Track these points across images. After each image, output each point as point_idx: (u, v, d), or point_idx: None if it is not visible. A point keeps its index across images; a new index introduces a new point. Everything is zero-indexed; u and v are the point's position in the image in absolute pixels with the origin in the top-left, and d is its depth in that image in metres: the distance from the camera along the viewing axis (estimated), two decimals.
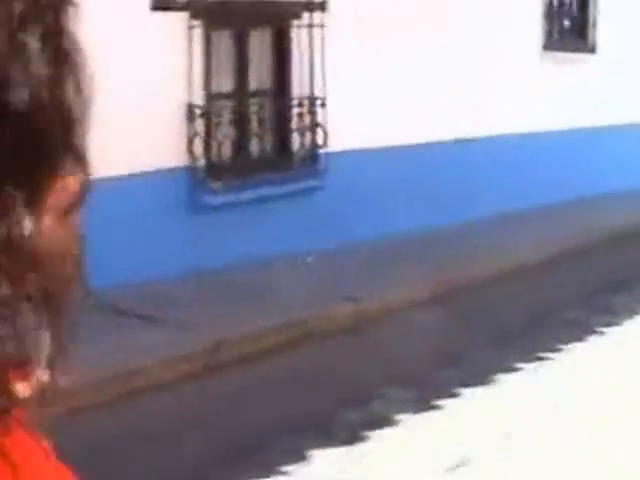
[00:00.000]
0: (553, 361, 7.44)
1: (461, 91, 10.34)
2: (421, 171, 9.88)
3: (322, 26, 9.03)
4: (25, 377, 0.65)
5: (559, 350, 7.66)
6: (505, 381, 6.94)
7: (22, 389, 0.65)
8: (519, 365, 7.25)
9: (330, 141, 9.12)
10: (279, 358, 7.06)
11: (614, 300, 8.94)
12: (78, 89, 0.65)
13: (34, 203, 0.63)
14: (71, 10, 0.64)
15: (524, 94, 11.11)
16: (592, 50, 11.95)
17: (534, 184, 11.00)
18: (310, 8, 8.99)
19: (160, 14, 8.10)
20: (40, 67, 0.62)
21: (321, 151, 9.13)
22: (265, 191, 8.81)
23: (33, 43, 0.62)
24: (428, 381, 6.79)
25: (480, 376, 6.93)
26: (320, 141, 9.11)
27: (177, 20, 8.23)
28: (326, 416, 6.18)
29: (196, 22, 8.29)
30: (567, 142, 11.47)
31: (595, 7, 11.98)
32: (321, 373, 6.89)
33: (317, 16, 9.03)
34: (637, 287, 9.30)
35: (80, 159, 0.65)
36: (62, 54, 0.64)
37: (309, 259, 9.03)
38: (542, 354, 7.54)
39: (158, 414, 6.20)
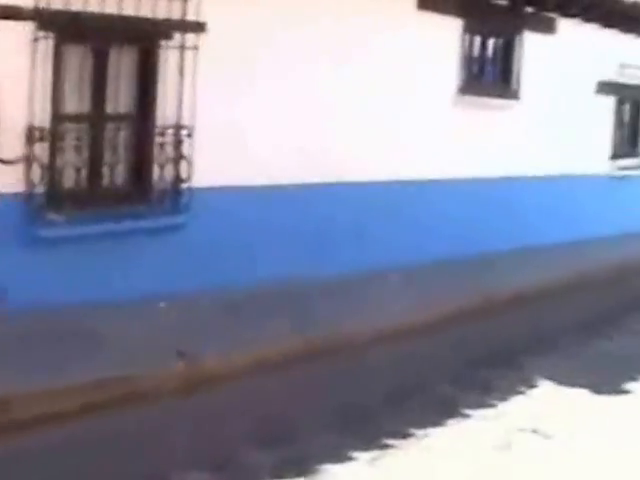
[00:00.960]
0: (397, 450, 6.54)
1: (354, 127, 9.49)
2: (300, 215, 9.00)
3: (195, 48, 8.17)
4: None
5: (409, 436, 6.77)
6: (330, 473, 6.05)
7: None
8: (354, 454, 6.35)
9: (196, 176, 8.25)
10: (72, 425, 6.15)
11: (492, 375, 8.07)
12: None
13: None
14: None
15: (433, 139, 10.28)
16: (515, 96, 11.13)
17: (433, 236, 10.13)
18: (184, 28, 8.12)
19: (1, 23, 7.22)
20: None
21: (184, 186, 8.25)
22: (115, 226, 7.91)
23: None
24: (235, 467, 5.90)
25: (301, 465, 6.05)
26: (184, 175, 8.23)
27: (21, 30, 7.35)
28: None
29: (43, 34, 7.40)
30: (471, 193, 10.63)
31: (521, 52, 11.16)
32: (112, 448, 5.98)
33: (190, 37, 8.16)
34: (522, 362, 8.41)
35: None
36: None
37: (162, 305, 8.14)
38: (387, 440, 6.65)
39: None
